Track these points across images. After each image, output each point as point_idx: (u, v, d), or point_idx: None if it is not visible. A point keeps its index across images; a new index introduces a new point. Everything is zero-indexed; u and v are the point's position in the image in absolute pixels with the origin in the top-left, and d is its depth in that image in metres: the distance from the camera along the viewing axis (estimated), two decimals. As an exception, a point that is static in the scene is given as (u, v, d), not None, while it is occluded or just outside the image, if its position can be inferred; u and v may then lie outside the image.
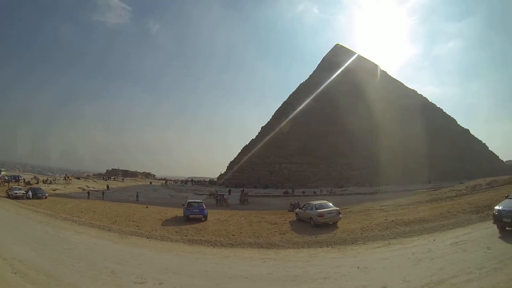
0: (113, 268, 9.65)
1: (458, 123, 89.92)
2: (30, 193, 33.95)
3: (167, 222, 20.26)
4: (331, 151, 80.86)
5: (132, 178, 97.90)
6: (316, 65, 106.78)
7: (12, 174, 60.23)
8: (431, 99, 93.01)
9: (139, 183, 73.12)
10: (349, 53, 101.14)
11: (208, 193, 51.71)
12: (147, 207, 29.28)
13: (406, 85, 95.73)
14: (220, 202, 40.95)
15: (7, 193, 34.68)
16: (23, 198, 32.18)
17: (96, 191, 50.35)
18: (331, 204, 18.03)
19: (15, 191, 33.66)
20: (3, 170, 60.95)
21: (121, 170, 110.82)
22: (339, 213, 16.96)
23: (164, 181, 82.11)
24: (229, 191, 54.39)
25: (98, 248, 13.35)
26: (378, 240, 12.66)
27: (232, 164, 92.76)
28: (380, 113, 78.80)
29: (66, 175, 61.25)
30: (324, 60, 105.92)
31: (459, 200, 20.80)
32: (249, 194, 53.26)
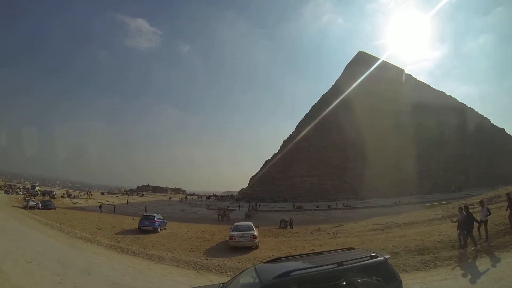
0: (26, 253, 12.02)
1: (492, 122, 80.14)
2: (39, 204, 37.62)
3: (124, 231, 21.06)
4: (354, 162, 76.35)
5: (161, 194, 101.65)
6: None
7: (45, 189, 65.61)
8: (465, 99, 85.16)
9: (161, 198, 75.04)
10: (373, 59, 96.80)
11: (218, 208, 51.04)
12: (133, 219, 29.51)
13: (434, 87, 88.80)
14: (221, 217, 40.15)
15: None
16: (35, 209, 35.80)
17: (113, 205, 52.43)
18: (251, 227, 16.62)
19: (30, 202, 37.99)
20: (37, 186, 66.76)
21: (151, 186, 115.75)
22: (254, 237, 15.54)
23: (184, 196, 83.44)
24: (239, 206, 53.32)
25: (36, 242, 15.51)
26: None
27: (254, 178, 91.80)
28: (406, 119, 73.22)
29: (88, 190, 65.40)
30: (347, 68, 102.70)
31: (445, 224, 16.90)
32: (259, 208, 51.75)
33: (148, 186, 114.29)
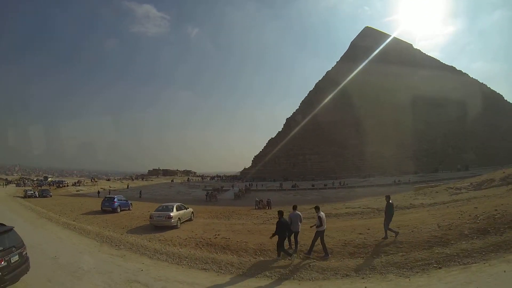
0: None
1: (505, 98, 74.69)
2: (36, 193, 40.37)
3: (90, 212, 23.16)
4: (359, 140, 74.12)
5: (170, 177, 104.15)
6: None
7: (57, 179, 69.10)
8: (478, 75, 79.44)
9: (164, 181, 76.75)
10: (380, 35, 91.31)
11: (211, 189, 51.67)
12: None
13: (446, 63, 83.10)
14: (209, 197, 40.61)
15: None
16: (32, 197, 38.03)
17: (114, 190, 54.31)
18: (172, 208, 16.66)
19: (28, 192, 40.42)
20: (49, 177, 70.56)
21: (162, 169, 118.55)
22: (169, 218, 15.82)
23: (186, 178, 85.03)
24: (233, 186, 53.73)
25: (5, 220, 17.58)
26: (116, 256, 10.96)
27: (257, 158, 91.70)
28: (413, 95, 69.51)
29: (92, 178, 68.24)
30: (352, 45, 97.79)
31: (405, 216, 14.60)
32: (252, 188, 51.97)
33: (159, 170, 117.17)
